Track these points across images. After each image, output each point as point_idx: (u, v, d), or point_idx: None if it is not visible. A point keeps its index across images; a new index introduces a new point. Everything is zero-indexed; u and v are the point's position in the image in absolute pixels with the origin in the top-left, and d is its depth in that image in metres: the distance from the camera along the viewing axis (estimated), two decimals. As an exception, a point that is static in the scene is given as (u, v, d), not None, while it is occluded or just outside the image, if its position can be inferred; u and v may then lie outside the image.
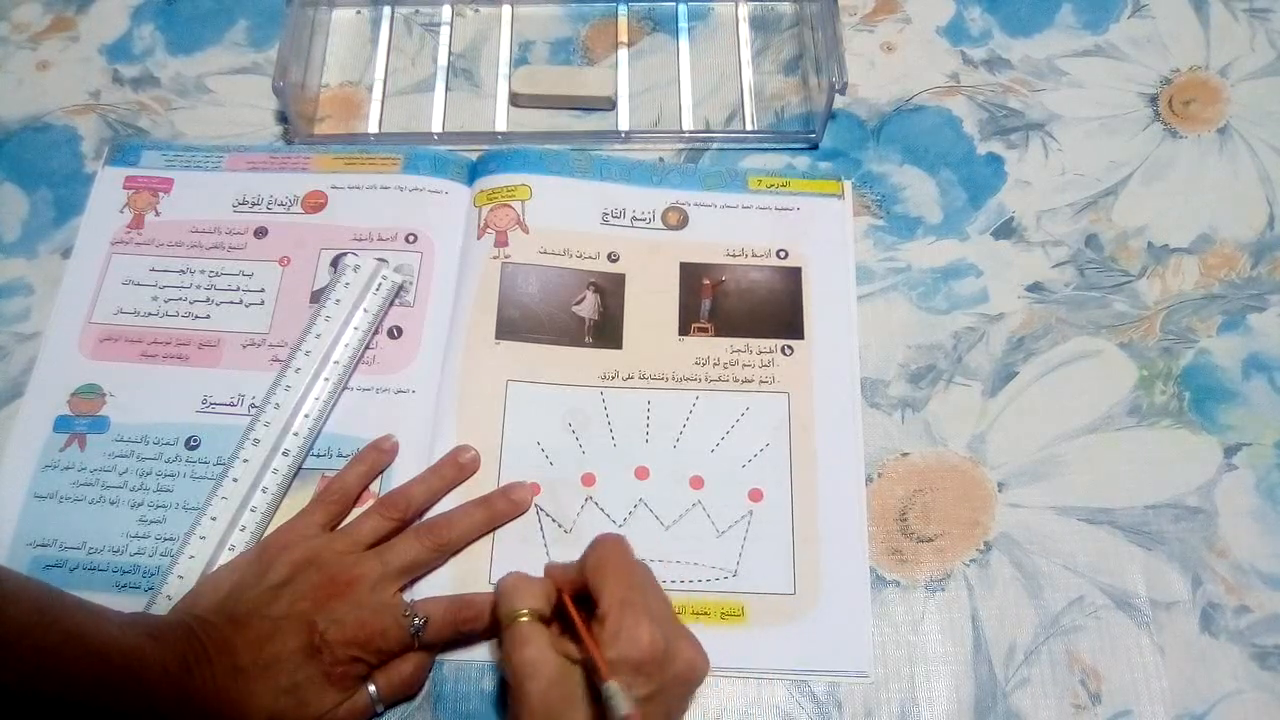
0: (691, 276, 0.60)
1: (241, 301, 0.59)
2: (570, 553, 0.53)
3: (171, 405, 0.56)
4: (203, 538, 0.52)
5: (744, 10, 0.70)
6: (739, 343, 0.58)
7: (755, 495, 0.55)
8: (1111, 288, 0.61)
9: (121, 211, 0.62)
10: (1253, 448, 0.56)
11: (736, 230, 0.61)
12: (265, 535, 0.52)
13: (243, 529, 0.52)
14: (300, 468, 0.55)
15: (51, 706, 0.39)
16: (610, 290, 0.60)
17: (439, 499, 0.54)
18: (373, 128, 0.66)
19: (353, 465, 0.54)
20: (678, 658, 0.43)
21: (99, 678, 0.41)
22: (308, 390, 0.55)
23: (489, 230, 0.61)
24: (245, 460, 0.53)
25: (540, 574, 0.52)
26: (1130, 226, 0.62)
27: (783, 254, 0.61)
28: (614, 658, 0.41)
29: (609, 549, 0.46)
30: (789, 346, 0.58)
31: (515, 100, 0.67)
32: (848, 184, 0.63)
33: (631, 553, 0.47)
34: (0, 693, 0.38)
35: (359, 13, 0.70)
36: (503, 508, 0.53)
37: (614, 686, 0.40)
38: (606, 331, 0.58)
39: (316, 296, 0.59)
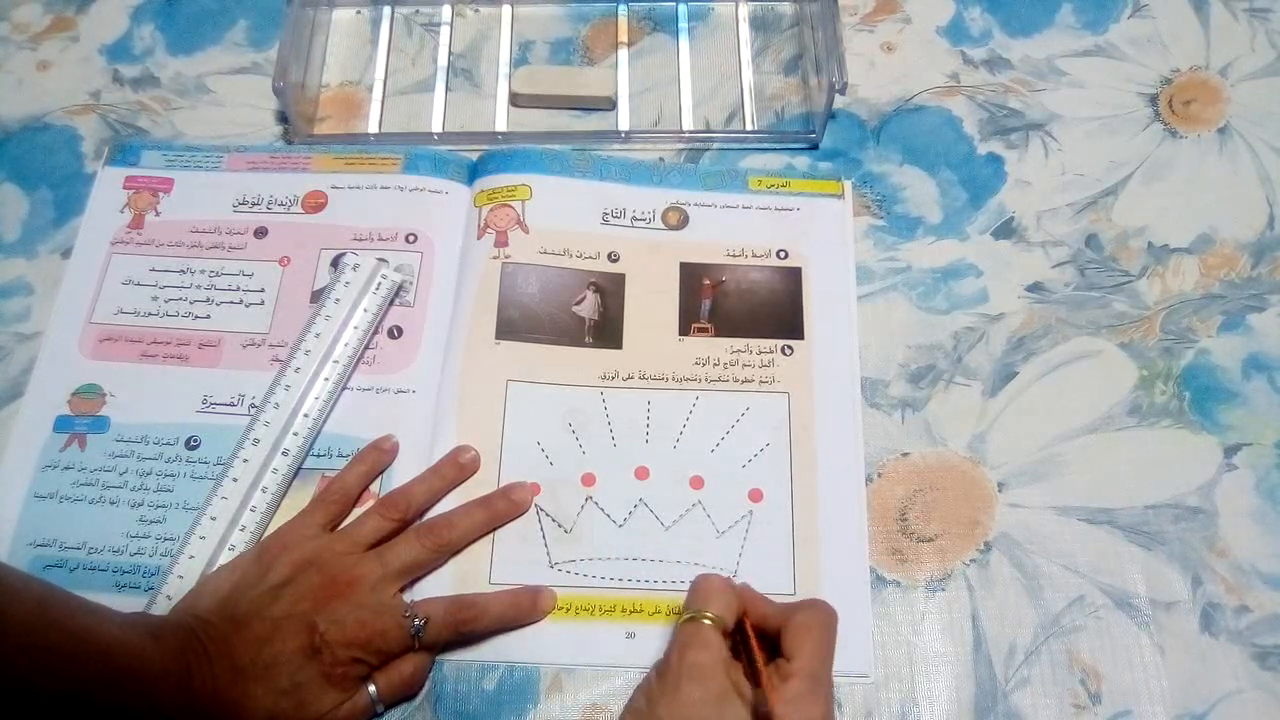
0: (692, 276, 0.60)
1: (242, 301, 0.59)
2: (570, 553, 0.53)
3: (171, 405, 0.56)
4: (203, 538, 0.52)
5: (744, 10, 0.70)
6: (739, 343, 0.58)
7: (755, 495, 0.55)
8: (1111, 288, 0.61)
9: (122, 211, 0.62)
10: (1253, 448, 0.56)
11: (736, 230, 0.61)
12: (265, 535, 0.52)
13: (243, 529, 0.52)
14: (300, 468, 0.55)
15: (52, 705, 0.39)
16: (610, 290, 0.60)
17: (439, 499, 0.54)
18: (373, 128, 0.66)
19: (353, 465, 0.54)
20: None
21: (100, 677, 0.41)
22: (307, 390, 0.55)
23: (489, 230, 0.61)
24: (245, 460, 0.53)
25: (544, 575, 0.52)
26: (1130, 226, 0.62)
27: (783, 254, 0.61)
28: (781, 715, 0.41)
29: (824, 617, 0.45)
30: (789, 347, 0.58)
31: (515, 100, 0.67)
32: (848, 184, 0.63)
33: (836, 633, 0.46)
34: (1, 691, 0.38)
35: (359, 13, 0.70)
36: (503, 508, 0.53)
37: None
38: (606, 331, 0.58)
39: (316, 296, 0.59)
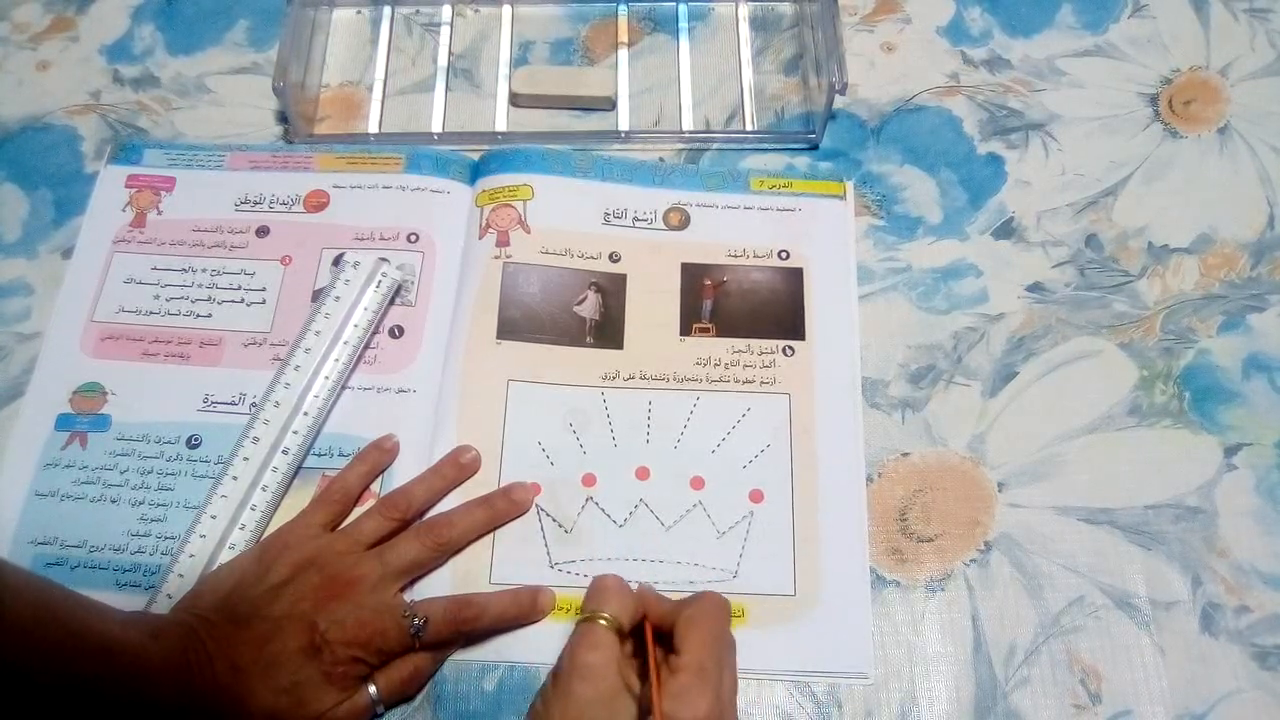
0: (693, 277, 0.60)
1: (243, 300, 0.59)
2: (570, 553, 0.53)
3: (173, 404, 0.57)
4: (203, 536, 0.52)
5: (744, 10, 0.70)
6: (740, 343, 0.58)
7: (756, 496, 0.55)
8: (1111, 288, 0.61)
9: (124, 210, 0.62)
10: (1253, 448, 0.56)
11: (738, 231, 0.61)
12: (266, 534, 0.52)
13: (243, 527, 0.52)
14: (301, 466, 0.55)
15: (53, 703, 0.39)
16: (612, 290, 0.60)
17: (440, 499, 0.54)
18: (373, 128, 0.66)
19: (354, 465, 0.54)
20: None
21: (101, 675, 0.41)
22: (308, 388, 0.55)
23: (490, 230, 0.61)
24: (245, 459, 0.53)
25: (544, 575, 0.52)
26: (1130, 226, 0.62)
27: (784, 255, 0.61)
28: (668, 711, 0.41)
29: (712, 609, 0.46)
30: (790, 347, 0.58)
31: (515, 100, 0.67)
32: (849, 185, 0.63)
33: (729, 623, 0.46)
34: (2, 690, 0.38)
35: (359, 13, 0.70)
36: (503, 508, 0.53)
37: None
38: (608, 332, 0.58)
39: (318, 296, 0.59)
